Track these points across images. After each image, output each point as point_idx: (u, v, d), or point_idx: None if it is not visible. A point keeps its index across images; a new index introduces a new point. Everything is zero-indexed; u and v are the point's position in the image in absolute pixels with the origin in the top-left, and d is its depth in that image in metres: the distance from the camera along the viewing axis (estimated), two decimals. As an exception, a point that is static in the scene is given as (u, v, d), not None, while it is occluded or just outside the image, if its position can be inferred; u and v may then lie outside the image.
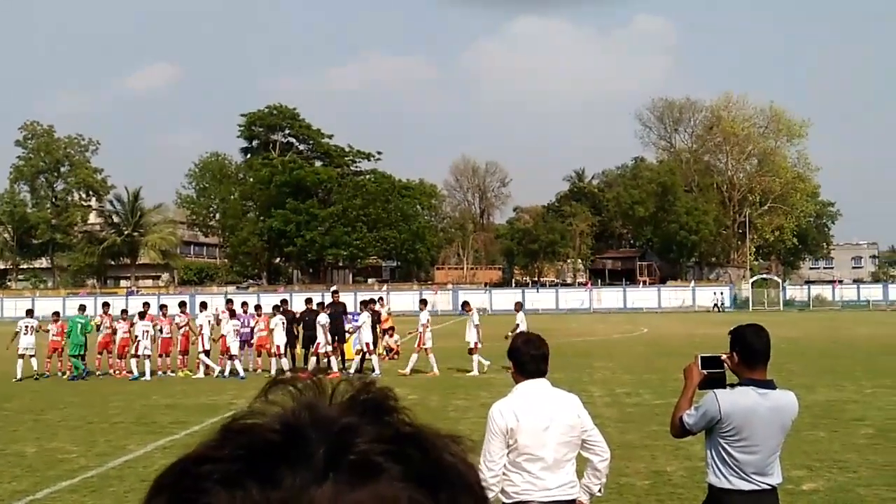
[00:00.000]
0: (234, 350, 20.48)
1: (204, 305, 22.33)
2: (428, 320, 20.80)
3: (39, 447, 11.42)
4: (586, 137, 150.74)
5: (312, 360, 20.44)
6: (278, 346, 20.85)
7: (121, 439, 11.92)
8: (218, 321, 21.73)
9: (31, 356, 20.84)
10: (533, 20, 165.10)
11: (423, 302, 22.09)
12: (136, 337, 20.98)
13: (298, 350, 21.63)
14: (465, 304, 21.89)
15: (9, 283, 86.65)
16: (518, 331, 20.05)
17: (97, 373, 21.42)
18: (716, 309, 64.05)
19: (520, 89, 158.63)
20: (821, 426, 11.73)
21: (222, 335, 20.85)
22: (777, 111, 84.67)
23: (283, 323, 21.15)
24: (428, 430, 0.61)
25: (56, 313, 22.82)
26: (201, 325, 20.96)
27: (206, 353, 20.76)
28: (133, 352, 20.98)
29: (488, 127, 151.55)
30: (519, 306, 22.18)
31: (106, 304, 23.06)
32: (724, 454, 4.14)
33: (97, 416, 14.16)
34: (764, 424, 4.10)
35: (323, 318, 20.15)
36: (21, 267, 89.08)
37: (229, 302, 22.47)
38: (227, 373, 20.48)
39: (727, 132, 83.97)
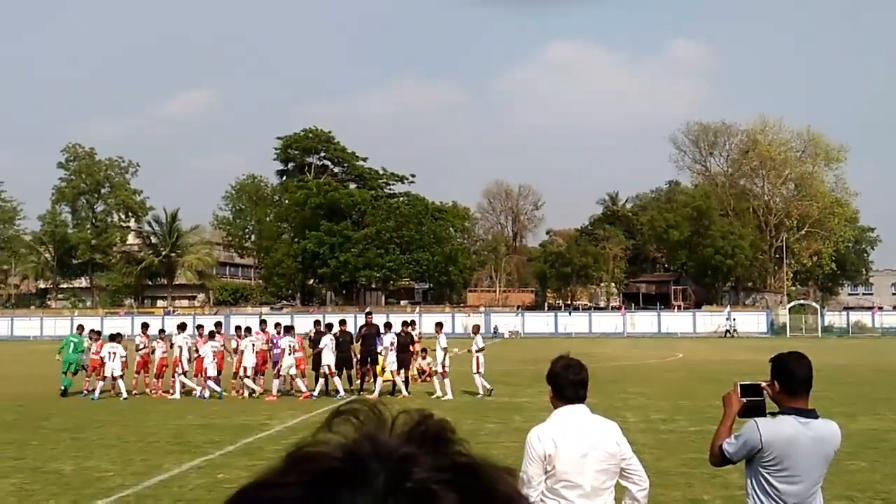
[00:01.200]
0: (211, 372, 20.65)
1: (182, 327, 22.51)
2: (482, 346, 20.78)
3: (77, 465, 11.54)
4: (620, 161, 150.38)
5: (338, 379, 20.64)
6: (329, 366, 20.81)
7: (156, 458, 12.01)
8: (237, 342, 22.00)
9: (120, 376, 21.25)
10: (566, 45, 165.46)
11: (439, 325, 22.06)
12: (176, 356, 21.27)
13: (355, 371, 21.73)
14: (438, 325, 21.81)
15: (49, 303, 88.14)
16: (476, 350, 20.42)
17: (134, 392, 21.64)
18: (727, 335, 63.23)
19: (553, 113, 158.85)
20: (862, 456, 11.48)
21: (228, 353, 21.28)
22: (814, 135, 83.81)
23: (332, 342, 21.19)
24: (483, 461, 0.64)
25: (97, 332, 23.10)
26: (179, 347, 21.20)
27: (184, 373, 21.07)
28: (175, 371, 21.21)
29: (521, 150, 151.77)
30: (477, 329, 22.05)
31: (145, 325, 23.34)
32: (765, 484, 4.07)
33: (133, 436, 14.29)
34: (806, 454, 4.02)
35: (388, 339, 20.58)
36: (61, 286, 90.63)
37: (213, 324, 22.84)
38: (206, 394, 20.59)
39: (763, 156, 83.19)
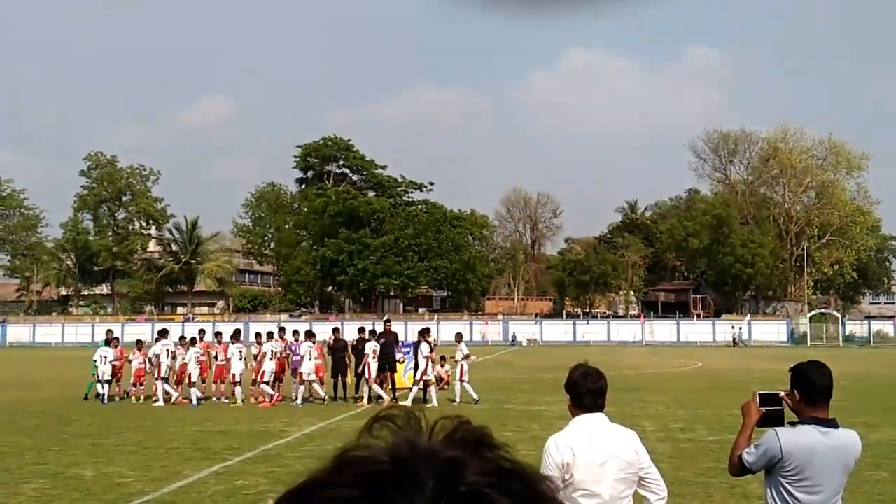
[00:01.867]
0: (194, 377, 20.85)
1: (164, 333, 22.61)
2: (467, 353, 21.10)
3: (97, 471, 11.64)
4: (639, 169, 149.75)
5: (365, 388, 20.71)
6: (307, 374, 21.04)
7: (176, 465, 12.09)
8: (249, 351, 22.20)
9: (107, 381, 21.51)
10: (584, 52, 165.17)
11: (459, 335, 22.39)
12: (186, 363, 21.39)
13: (350, 379, 21.74)
14: (424, 331, 21.93)
15: (70, 309, 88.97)
16: (461, 359, 20.67)
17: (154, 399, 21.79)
18: (734, 344, 62.89)
19: (571, 121, 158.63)
20: (883, 466, 11.37)
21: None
22: (836, 143, 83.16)
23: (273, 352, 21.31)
24: (525, 465, 0.66)
25: (139, 341, 23.31)
26: (158, 354, 21.33)
27: (165, 380, 21.23)
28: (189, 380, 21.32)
29: (540, 158, 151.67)
30: (460, 337, 22.32)
31: (164, 331, 23.46)
32: (785, 494, 4.05)
33: (153, 442, 14.39)
34: (826, 464, 4.00)
35: (371, 346, 20.48)
36: (82, 293, 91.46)
37: (198, 334, 22.92)
38: (194, 400, 20.70)
39: (784, 164, 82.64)
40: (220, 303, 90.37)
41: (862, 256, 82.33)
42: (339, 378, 21.53)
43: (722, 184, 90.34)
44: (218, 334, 23.42)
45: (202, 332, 23.62)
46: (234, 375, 20.92)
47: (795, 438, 4.03)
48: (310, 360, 20.82)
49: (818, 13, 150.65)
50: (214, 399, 21.33)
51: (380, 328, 22.53)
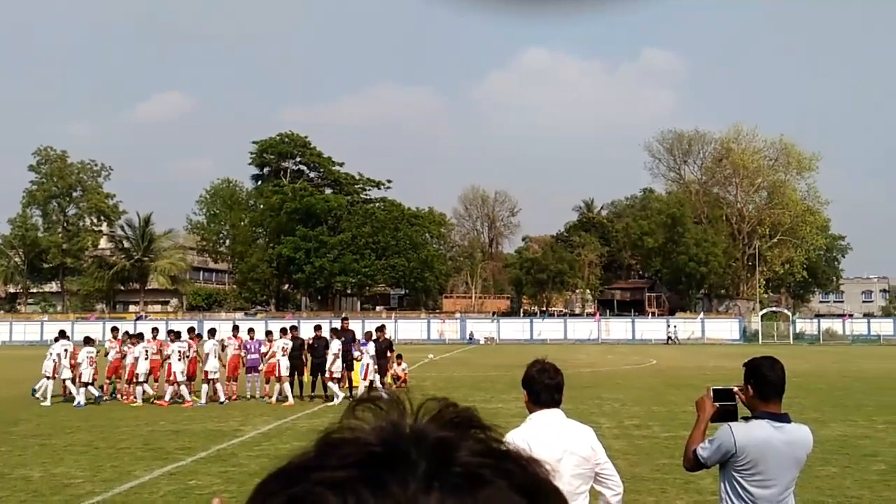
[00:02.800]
0: (180, 377, 20.62)
1: (63, 334, 22.20)
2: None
3: (45, 472, 11.37)
4: (595, 168, 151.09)
5: (331, 385, 20.63)
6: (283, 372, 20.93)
7: (127, 465, 11.87)
8: (223, 347, 21.87)
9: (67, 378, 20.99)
10: (541, 53, 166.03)
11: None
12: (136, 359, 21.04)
13: (306, 377, 21.60)
14: (379, 328, 22.30)
15: (18, 307, 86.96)
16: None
17: (105, 398, 21.37)
18: (670, 341, 64.38)
19: (529, 120, 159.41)
20: (833, 461, 11.60)
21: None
22: (787, 144, 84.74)
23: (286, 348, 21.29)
24: (516, 447, 0.65)
25: (87, 339, 22.78)
26: (137, 357, 21.04)
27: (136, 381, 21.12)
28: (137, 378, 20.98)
29: (498, 157, 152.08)
30: (369, 336, 22.54)
31: (115, 329, 23.09)
32: (738, 488, 4.08)
33: (104, 442, 14.11)
34: (779, 458, 4.05)
35: (335, 345, 20.42)
36: (31, 291, 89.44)
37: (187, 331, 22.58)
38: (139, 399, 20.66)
39: (737, 164, 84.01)
40: (174, 301, 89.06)
41: (812, 256, 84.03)
42: (296, 376, 21.38)
43: (676, 183, 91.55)
44: (191, 329, 22.87)
45: (251, 330, 23.23)
46: (175, 374, 20.58)
47: (749, 433, 4.07)
48: (214, 357, 20.89)
49: (767, 15, 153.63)
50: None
51: (337, 326, 22.47)
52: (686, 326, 70.12)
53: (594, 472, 4.13)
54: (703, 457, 4.19)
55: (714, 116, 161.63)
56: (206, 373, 20.78)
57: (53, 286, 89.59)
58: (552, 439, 4.03)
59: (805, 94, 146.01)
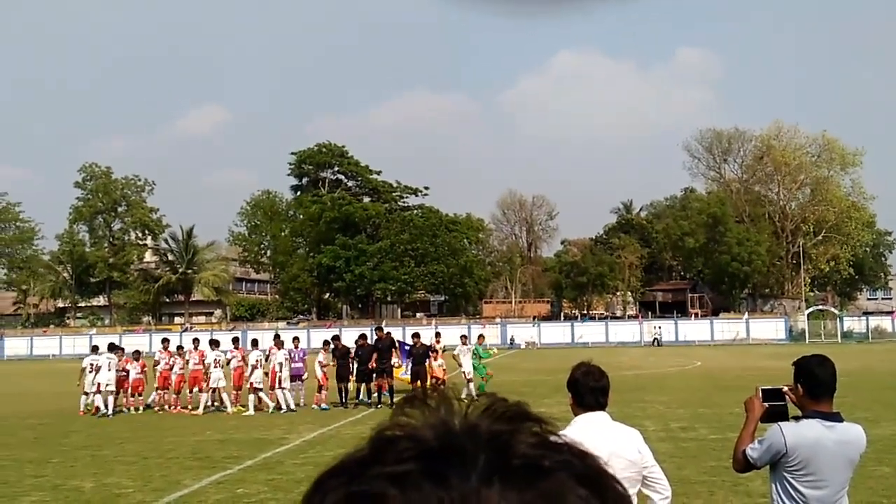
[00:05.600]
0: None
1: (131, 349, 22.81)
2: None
3: (97, 482, 11.58)
4: (633, 170, 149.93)
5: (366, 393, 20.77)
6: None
7: (175, 474, 12.03)
8: (267, 357, 22.15)
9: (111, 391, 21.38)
10: (573, 55, 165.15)
11: (464, 337, 22.96)
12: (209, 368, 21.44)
13: (352, 385, 21.78)
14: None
15: (68, 321, 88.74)
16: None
17: (155, 408, 21.75)
18: (655, 343, 64.05)
19: (564, 123, 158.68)
20: (886, 461, 11.35)
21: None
22: (829, 140, 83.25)
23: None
24: (571, 439, 0.64)
25: (137, 352, 23.25)
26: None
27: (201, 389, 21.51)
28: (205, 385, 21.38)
29: (534, 161, 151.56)
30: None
31: (165, 340, 23.32)
32: (790, 489, 4.02)
33: (152, 452, 14.33)
34: (831, 458, 3.97)
35: (283, 354, 21.32)
36: (79, 305, 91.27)
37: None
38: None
39: (778, 162, 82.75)
40: (218, 312, 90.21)
41: (858, 252, 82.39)
42: (343, 384, 21.55)
43: (716, 182, 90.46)
44: (235, 339, 23.24)
45: (296, 339, 23.54)
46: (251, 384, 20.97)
47: (799, 433, 4.00)
48: (259, 367, 21.02)
49: (804, 9, 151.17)
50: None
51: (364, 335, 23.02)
52: (731, 327, 69.16)
53: (641, 475, 4.09)
54: (753, 457, 4.13)
55: (753, 114, 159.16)
56: (251, 383, 20.99)
57: (101, 300, 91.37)
58: (598, 442, 3.99)
59: (846, 88, 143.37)
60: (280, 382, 20.80)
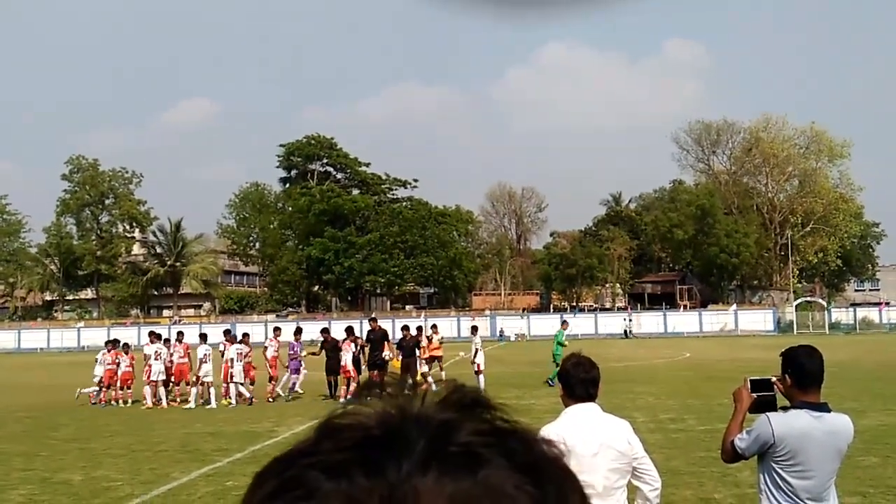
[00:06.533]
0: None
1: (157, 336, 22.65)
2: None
3: (85, 475, 11.54)
4: (622, 162, 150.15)
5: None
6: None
7: (165, 467, 12.01)
8: (265, 349, 22.21)
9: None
10: (560, 48, 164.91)
11: (475, 328, 23.21)
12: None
13: (341, 378, 21.78)
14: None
15: (55, 314, 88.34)
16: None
17: (143, 401, 21.70)
18: (626, 334, 64.49)
19: (552, 115, 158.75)
20: (873, 452, 11.43)
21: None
22: (818, 131, 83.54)
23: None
24: (525, 426, 0.63)
25: (126, 345, 23.17)
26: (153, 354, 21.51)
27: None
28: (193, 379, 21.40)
29: (523, 153, 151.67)
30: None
31: (152, 333, 23.23)
32: (778, 479, 4.03)
33: (141, 445, 14.30)
34: (819, 448, 3.99)
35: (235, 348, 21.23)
36: (67, 298, 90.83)
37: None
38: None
39: (766, 153, 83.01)
40: (207, 304, 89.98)
41: (846, 244, 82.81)
42: (332, 377, 21.53)
43: (705, 174, 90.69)
44: (227, 332, 23.24)
45: (299, 331, 23.67)
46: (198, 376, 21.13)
47: (787, 423, 4.02)
48: (239, 362, 20.93)
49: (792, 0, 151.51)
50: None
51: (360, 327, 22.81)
52: (719, 318, 69.42)
53: (631, 466, 4.10)
54: (741, 447, 4.14)
55: (742, 106, 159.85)
56: (197, 376, 21.07)
57: (89, 293, 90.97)
58: (588, 433, 4.01)
59: (834, 79, 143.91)
60: (232, 377, 20.77)
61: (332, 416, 0.62)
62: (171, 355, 21.83)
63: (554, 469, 0.60)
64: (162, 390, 21.22)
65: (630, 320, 68.00)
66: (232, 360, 20.87)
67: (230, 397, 20.65)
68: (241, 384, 21.06)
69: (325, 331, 22.93)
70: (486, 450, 0.58)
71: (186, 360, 21.76)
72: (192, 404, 20.64)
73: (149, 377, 21.19)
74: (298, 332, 23.45)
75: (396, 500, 0.54)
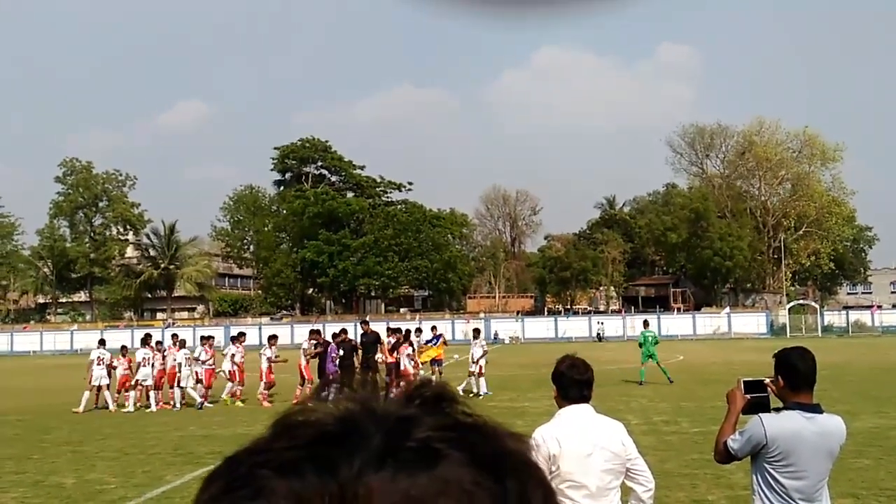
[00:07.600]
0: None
1: (102, 342, 22.67)
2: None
3: (78, 478, 11.50)
4: (616, 165, 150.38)
5: None
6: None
7: (158, 470, 11.98)
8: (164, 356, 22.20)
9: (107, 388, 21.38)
10: (554, 51, 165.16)
11: (476, 331, 23.11)
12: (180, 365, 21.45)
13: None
14: (476, 330, 22.97)
15: (48, 317, 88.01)
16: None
17: (137, 404, 21.63)
18: (598, 338, 64.68)
19: (546, 119, 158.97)
20: (866, 454, 11.46)
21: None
22: (810, 135, 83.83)
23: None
24: (489, 420, 0.61)
25: (124, 347, 23.11)
26: (91, 361, 21.47)
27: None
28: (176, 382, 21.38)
29: (518, 156, 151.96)
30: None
31: (148, 336, 23.19)
32: (770, 480, 4.05)
33: (134, 448, 14.26)
34: (811, 449, 4.01)
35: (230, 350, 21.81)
36: (60, 301, 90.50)
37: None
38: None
39: (760, 157, 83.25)
40: (201, 307, 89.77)
41: (838, 247, 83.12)
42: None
43: (699, 178, 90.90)
44: (210, 337, 23.23)
45: (175, 336, 23.56)
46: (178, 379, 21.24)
47: (780, 424, 4.04)
48: (145, 366, 21.08)
49: (784, 5, 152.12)
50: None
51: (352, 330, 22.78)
52: (712, 321, 69.50)
53: (625, 467, 4.11)
54: (734, 448, 4.16)
55: (735, 110, 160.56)
56: (137, 381, 21.14)
57: (82, 296, 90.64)
58: (582, 434, 4.02)
59: (826, 84, 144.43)
60: (178, 382, 21.04)
61: (289, 414, 0.61)
62: (164, 359, 21.78)
63: (516, 463, 0.59)
64: (153, 394, 21.15)
65: (602, 324, 68.16)
66: (180, 364, 21.15)
67: (230, 396, 21.17)
68: (193, 388, 21.34)
69: (315, 332, 22.82)
70: (444, 445, 0.56)
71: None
72: (130, 408, 20.74)
73: (131, 382, 21.32)
74: (335, 335, 23.06)
75: (348, 497, 0.53)
